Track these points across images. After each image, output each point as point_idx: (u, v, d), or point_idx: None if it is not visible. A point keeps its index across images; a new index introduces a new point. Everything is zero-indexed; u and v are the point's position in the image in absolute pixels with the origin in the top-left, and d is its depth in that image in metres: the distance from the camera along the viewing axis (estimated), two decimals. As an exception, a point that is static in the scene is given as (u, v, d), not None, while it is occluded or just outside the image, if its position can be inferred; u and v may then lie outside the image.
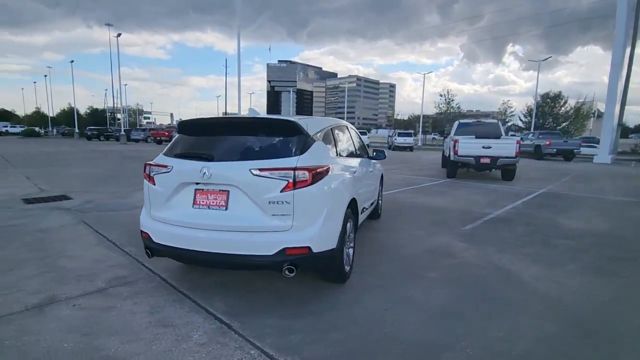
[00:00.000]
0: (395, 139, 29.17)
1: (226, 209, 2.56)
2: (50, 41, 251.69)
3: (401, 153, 25.88)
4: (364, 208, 3.99)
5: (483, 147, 10.14)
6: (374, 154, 5.03)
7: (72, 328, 2.40)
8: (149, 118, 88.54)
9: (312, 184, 2.53)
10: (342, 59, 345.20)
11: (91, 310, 2.65)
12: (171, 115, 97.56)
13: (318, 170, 2.59)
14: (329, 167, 2.76)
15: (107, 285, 3.09)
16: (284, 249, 2.47)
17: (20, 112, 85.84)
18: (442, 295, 3.00)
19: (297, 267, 2.52)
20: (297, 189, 2.48)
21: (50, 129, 59.41)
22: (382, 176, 5.67)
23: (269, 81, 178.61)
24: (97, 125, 46.73)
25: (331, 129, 3.40)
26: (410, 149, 28.98)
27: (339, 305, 2.80)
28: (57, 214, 5.60)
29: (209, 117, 2.97)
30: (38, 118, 71.71)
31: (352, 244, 3.40)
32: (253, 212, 2.51)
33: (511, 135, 26.75)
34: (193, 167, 2.61)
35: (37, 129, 50.91)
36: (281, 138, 2.71)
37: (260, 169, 2.47)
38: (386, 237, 4.72)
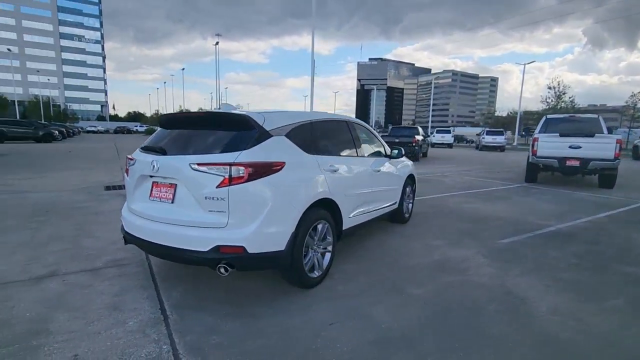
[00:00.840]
0: (483, 138, 26.43)
1: (172, 202, 2.60)
2: (174, 53, 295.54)
3: (488, 153, 23.38)
4: (359, 211, 3.66)
5: (570, 147, 8.48)
6: (393, 152, 4.59)
7: (45, 300, 2.71)
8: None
9: (248, 180, 2.40)
10: (438, 53, 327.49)
11: (72, 286, 2.96)
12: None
13: (258, 167, 2.45)
14: (279, 164, 2.58)
15: (102, 266, 3.42)
16: (218, 246, 2.40)
17: (148, 114, 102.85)
18: (409, 317, 2.57)
19: (233, 267, 2.43)
20: (233, 185, 2.38)
21: (166, 128, 69.72)
22: (410, 177, 5.14)
23: (359, 79, 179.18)
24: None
25: (310, 123, 3.18)
26: (501, 149, 25.92)
27: (287, 311, 2.62)
28: (119, 200, 6.45)
29: (177, 112, 3.06)
30: (157, 119, 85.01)
31: (328, 248, 3.15)
32: (193, 207, 2.49)
33: None
34: (147, 160, 2.72)
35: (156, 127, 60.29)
36: (230, 132, 2.63)
37: (198, 164, 2.44)
38: (399, 243, 4.27)
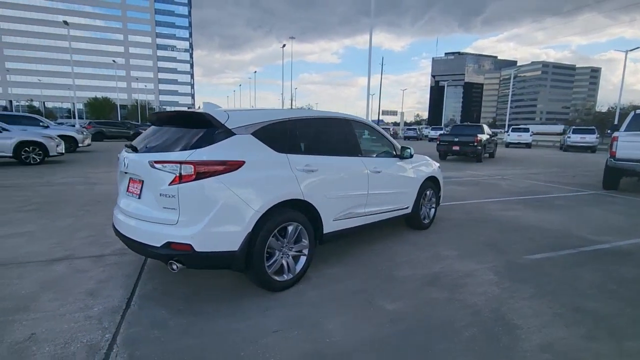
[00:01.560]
0: (569, 137, 23.18)
1: (139, 198, 2.71)
2: (253, 57, 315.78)
3: (573, 155, 20.44)
4: (349, 214, 3.44)
5: (660, 148, 6.99)
6: (404, 152, 4.23)
7: (44, 281, 3.03)
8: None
9: (198, 179, 2.40)
10: (526, 43, 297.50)
11: (72, 270, 3.28)
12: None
13: (209, 166, 2.43)
14: (236, 163, 2.53)
15: (109, 253, 3.73)
16: (169, 242, 2.44)
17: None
18: (365, 334, 2.33)
19: (183, 263, 2.45)
20: (182, 183, 2.40)
21: (241, 128, 75.03)
22: (431, 179, 4.70)
23: (433, 76, 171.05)
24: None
25: (287, 121, 3.05)
26: (592, 149, 22.45)
27: (242, 313, 2.56)
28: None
29: (160, 111, 3.18)
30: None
31: (304, 252, 3.01)
32: (152, 203, 2.57)
33: None
34: (122, 156, 2.89)
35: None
36: (192, 130, 2.65)
37: (155, 161, 2.51)
38: (405, 250, 3.93)
